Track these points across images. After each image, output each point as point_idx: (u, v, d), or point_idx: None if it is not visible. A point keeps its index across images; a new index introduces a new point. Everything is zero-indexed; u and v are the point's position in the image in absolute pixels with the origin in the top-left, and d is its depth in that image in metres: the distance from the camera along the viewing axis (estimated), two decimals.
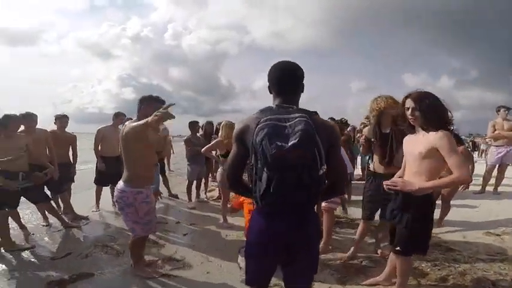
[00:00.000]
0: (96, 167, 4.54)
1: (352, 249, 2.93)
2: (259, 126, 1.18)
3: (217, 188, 5.47)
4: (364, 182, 3.13)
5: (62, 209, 4.15)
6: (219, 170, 4.14)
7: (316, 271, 1.43)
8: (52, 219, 3.83)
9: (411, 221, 1.92)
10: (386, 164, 2.64)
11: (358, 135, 4.92)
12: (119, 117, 4.48)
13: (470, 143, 16.95)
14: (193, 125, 5.30)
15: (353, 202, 4.76)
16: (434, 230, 2.20)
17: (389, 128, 2.66)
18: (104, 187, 4.62)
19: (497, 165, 5.51)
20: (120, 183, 2.35)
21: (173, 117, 1.99)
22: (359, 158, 6.53)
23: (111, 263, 2.79)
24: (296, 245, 1.31)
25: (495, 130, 5.40)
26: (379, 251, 3.04)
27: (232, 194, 4.23)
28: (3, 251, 2.97)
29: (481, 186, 5.60)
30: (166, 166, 7.04)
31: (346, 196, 4.61)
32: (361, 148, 2.95)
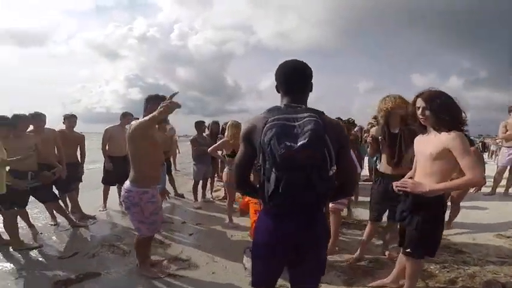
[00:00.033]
0: (104, 166, 4.57)
1: (359, 250, 2.90)
2: (267, 126, 1.16)
3: (223, 188, 5.47)
4: (371, 182, 3.10)
5: (70, 208, 4.19)
6: (225, 170, 4.13)
7: (324, 272, 1.41)
8: (60, 218, 3.87)
9: (421, 223, 1.88)
10: (394, 164, 2.60)
11: (365, 135, 4.87)
12: (126, 117, 4.51)
13: (480, 144, 16.69)
14: (199, 125, 5.30)
15: (360, 203, 4.72)
16: (444, 232, 2.18)
17: (398, 128, 2.62)
18: (111, 186, 4.66)
19: (508, 167, 5.42)
20: (127, 183, 2.36)
21: (179, 106, 1.98)
22: (366, 159, 6.49)
23: (118, 263, 2.80)
24: (305, 245, 1.29)
25: (507, 131, 5.30)
26: (386, 253, 3.00)
27: (238, 195, 4.22)
28: (11, 250, 3.01)
29: (491, 188, 5.51)
30: (172, 166, 7.08)
31: (352, 197, 4.57)
32: (368, 149, 2.91)
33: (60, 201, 3.85)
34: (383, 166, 2.74)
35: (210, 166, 5.30)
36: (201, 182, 5.27)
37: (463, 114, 1.81)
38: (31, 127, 3.60)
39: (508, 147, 5.37)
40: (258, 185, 1.28)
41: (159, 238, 3.31)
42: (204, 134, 5.44)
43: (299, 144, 1.09)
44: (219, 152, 4.23)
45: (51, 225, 3.83)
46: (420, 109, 1.86)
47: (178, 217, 4.37)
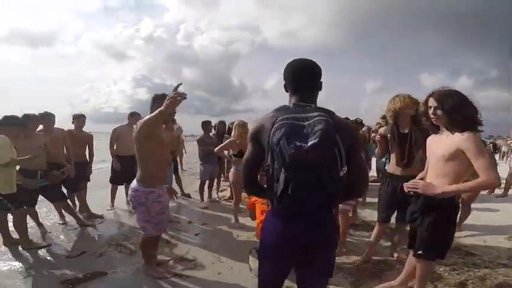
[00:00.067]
0: (112, 166, 4.60)
1: (366, 252, 2.87)
2: (275, 125, 1.14)
3: (229, 188, 5.47)
4: (379, 183, 3.06)
5: (78, 207, 4.24)
6: (231, 169, 4.13)
7: (332, 274, 1.39)
8: (68, 217, 3.91)
9: (433, 224, 1.85)
10: (404, 165, 2.56)
11: (373, 135, 4.81)
12: (134, 117, 4.54)
13: (491, 145, 16.41)
14: (206, 125, 5.31)
15: (368, 204, 4.67)
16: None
17: (407, 128, 2.57)
18: (119, 186, 4.69)
19: None
20: (134, 182, 2.36)
21: (185, 97, 1.96)
22: (373, 159, 6.42)
23: (125, 262, 2.82)
24: (314, 245, 1.27)
25: None
26: (395, 255, 2.97)
27: (244, 195, 4.21)
28: (21, 248, 3.04)
29: (503, 189, 5.40)
30: (179, 165, 7.10)
31: (360, 199, 4.52)
32: (376, 150, 2.86)
33: (68, 201, 3.89)
34: (392, 167, 2.70)
35: (216, 166, 5.30)
36: (207, 181, 5.28)
37: (478, 113, 1.75)
38: (40, 127, 3.65)
39: None
40: (265, 186, 1.26)
41: (165, 238, 3.32)
42: (211, 134, 5.45)
43: (309, 144, 1.07)
44: (226, 152, 4.23)
45: (60, 224, 3.87)
46: (432, 108, 1.82)
47: (185, 217, 4.39)
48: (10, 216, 3.15)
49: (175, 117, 3.16)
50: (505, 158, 12.45)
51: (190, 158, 9.77)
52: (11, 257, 2.89)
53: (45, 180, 3.44)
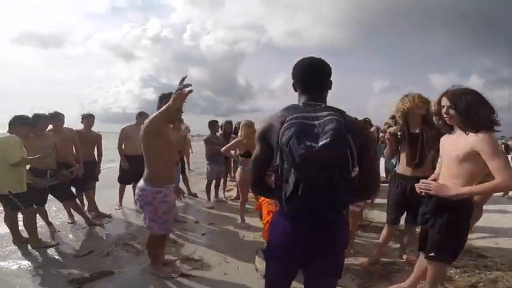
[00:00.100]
0: (120, 165, 4.63)
1: (375, 253, 2.84)
2: (285, 125, 1.11)
3: (236, 188, 5.47)
4: (387, 184, 3.01)
5: (87, 206, 4.28)
6: (238, 169, 4.12)
7: (341, 275, 1.36)
8: (77, 216, 3.96)
9: (445, 226, 1.81)
10: (415, 165, 2.51)
11: (381, 135, 4.75)
12: (142, 117, 4.56)
13: (503, 146, 16.07)
14: (212, 125, 5.32)
15: (376, 205, 4.61)
16: None
17: (418, 128, 2.53)
18: (127, 185, 4.72)
19: None
20: (141, 182, 2.37)
21: (191, 89, 1.94)
22: (382, 160, 6.35)
23: (131, 262, 2.83)
24: (324, 245, 1.24)
25: None
26: (404, 256, 2.92)
27: (250, 195, 4.20)
28: (30, 247, 3.08)
29: None
30: (186, 165, 7.12)
31: (368, 200, 4.47)
32: (385, 150, 2.81)
33: (76, 200, 3.93)
34: (401, 167, 2.65)
35: (223, 166, 5.30)
36: (214, 181, 5.28)
37: (494, 113, 1.69)
38: (50, 126, 3.70)
39: None
40: (273, 186, 1.24)
41: (172, 237, 3.33)
42: (218, 134, 5.45)
43: (320, 144, 1.04)
44: (232, 152, 4.22)
45: (69, 223, 3.92)
46: (445, 108, 1.77)
47: (192, 216, 4.40)
48: (20, 216, 3.19)
49: (182, 116, 3.16)
50: None
51: (197, 158, 9.80)
52: (20, 255, 2.93)
53: (55, 180, 3.49)
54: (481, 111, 1.67)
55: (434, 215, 1.85)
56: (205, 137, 5.31)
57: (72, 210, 3.94)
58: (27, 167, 3.19)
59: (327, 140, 1.03)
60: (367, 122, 4.70)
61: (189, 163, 8.54)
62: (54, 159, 3.49)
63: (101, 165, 4.60)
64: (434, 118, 2.19)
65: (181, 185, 5.03)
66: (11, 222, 3.15)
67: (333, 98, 1.34)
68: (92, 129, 4.42)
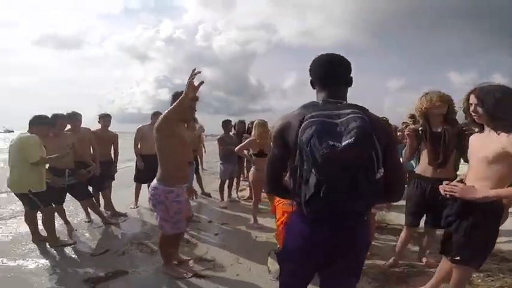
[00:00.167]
0: (136, 165, 4.68)
1: (394, 256, 2.75)
2: (304, 123, 1.05)
3: (248, 188, 5.44)
4: (405, 185, 2.90)
5: (103, 205, 4.36)
6: (251, 169, 4.08)
7: (359, 278, 1.31)
8: (93, 215, 4.03)
9: (470, 230, 1.72)
10: (438, 165, 2.40)
11: (399, 134, 4.61)
12: (156, 116, 4.58)
13: None
14: (226, 124, 5.31)
15: (394, 207, 4.46)
16: None
17: (440, 127, 2.42)
18: (143, 185, 4.74)
19: None
20: (154, 181, 2.37)
21: (202, 81, 1.96)
22: (400, 160, 6.16)
23: (145, 261, 2.85)
24: (345, 246, 1.19)
25: None
26: (423, 259, 2.83)
27: (263, 195, 4.16)
28: (48, 246, 3.16)
29: None
30: (199, 165, 7.15)
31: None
32: (403, 151, 2.70)
33: (93, 199, 4.00)
34: (422, 167, 2.54)
35: (236, 165, 5.29)
36: (227, 181, 5.28)
37: None
38: (68, 126, 3.77)
39: None
40: (291, 186, 1.19)
41: (186, 237, 3.33)
42: (231, 133, 5.44)
43: (344, 143, 0.97)
44: (246, 152, 4.19)
45: (86, 222, 4.00)
46: (473, 106, 1.68)
47: (205, 216, 4.41)
48: (39, 214, 3.27)
49: (196, 115, 3.16)
50: None
51: (210, 157, 9.85)
52: (38, 254, 3.01)
53: (73, 179, 3.57)
54: (511, 109, 1.56)
55: (459, 217, 1.76)
56: (218, 137, 5.31)
57: (89, 209, 4.02)
58: (47, 166, 3.27)
59: (351, 140, 0.97)
60: (385, 122, 4.56)
61: (202, 162, 8.58)
62: (72, 158, 3.57)
63: (118, 164, 4.66)
64: (457, 116, 2.08)
65: (195, 184, 5.06)
66: (31, 221, 3.24)
67: (349, 99, 1.28)
68: (109, 129, 4.47)
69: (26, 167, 2.94)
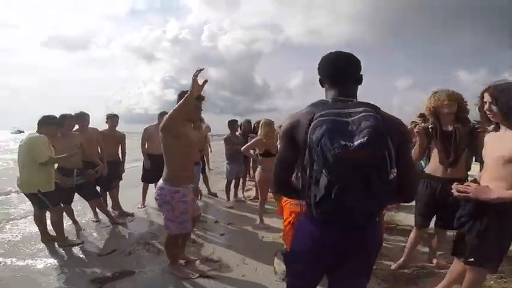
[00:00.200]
0: (143, 165, 4.70)
1: (403, 257, 2.70)
2: (314, 122, 1.02)
3: (254, 188, 5.42)
4: None
5: (110, 205, 4.38)
6: (257, 169, 4.06)
7: (369, 278, 1.29)
8: (101, 215, 4.07)
9: (483, 231, 1.67)
10: (449, 164, 2.35)
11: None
12: (163, 116, 4.59)
13: None
14: (232, 124, 5.29)
15: (403, 207, 4.40)
16: None
17: (451, 125, 2.37)
18: (150, 184, 4.76)
19: None
20: (160, 181, 2.37)
21: (206, 80, 1.99)
22: None
23: (152, 261, 2.86)
24: (356, 245, 1.16)
25: None
26: (434, 261, 2.77)
27: (270, 195, 4.13)
28: (56, 245, 3.19)
29: None
30: (206, 164, 7.15)
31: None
32: (413, 150, 2.65)
33: (101, 198, 4.03)
34: (432, 166, 2.49)
35: (242, 165, 5.28)
36: (233, 181, 5.27)
37: None
38: (76, 127, 3.80)
39: None
40: (300, 187, 1.16)
41: (192, 237, 3.33)
42: (237, 133, 5.42)
43: (357, 143, 0.94)
44: (252, 151, 4.17)
45: (93, 221, 4.03)
46: (487, 104, 1.64)
47: (211, 216, 4.40)
48: (48, 214, 3.30)
49: (202, 115, 3.15)
50: None
51: (216, 157, 9.87)
52: (47, 254, 3.04)
53: (81, 179, 3.60)
54: None
55: (472, 218, 1.72)
56: (225, 136, 5.30)
57: (96, 208, 4.04)
58: (55, 166, 3.30)
59: (364, 139, 0.93)
60: (399, 121, 4.49)
61: (208, 162, 8.59)
62: (81, 158, 3.59)
63: (125, 164, 4.67)
64: (468, 115, 2.02)
65: (202, 184, 5.06)
66: (40, 221, 3.27)
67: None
68: (117, 129, 4.49)
69: (35, 167, 2.97)
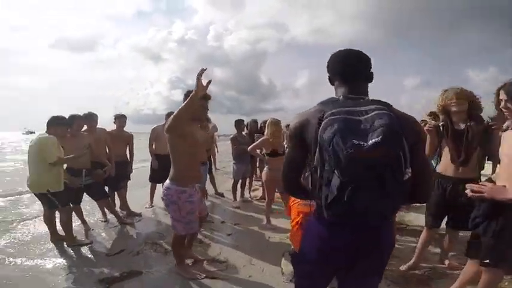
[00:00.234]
0: (151, 165, 4.71)
1: (414, 258, 2.65)
2: (325, 120, 0.99)
3: (261, 188, 5.40)
4: None
5: (119, 205, 4.41)
6: (264, 169, 4.03)
7: (381, 278, 1.25)
8: (109, 215, 4.10)
9: (499, 232, 1.62)
10: (461, 162, 2.29)
11: None
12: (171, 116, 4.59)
13: None
14: (239, 124, 5.28)
15: (413, 207, 4.32)
16: None
17: (464, 124, 2.31)
18: (158, 184, 4.76)
19: None
20: (167, 181, 2.37)
21: (210, 80, 2.02)
22: None
23: (159, 261, 2.86)
24: (369, 245, 1.12)
25: None
26: (446, 262, 2.72)
27: (277, 195, 4.10)
28: (65, 245, 3.22)
29: None
30: (212, 164, 7.15)
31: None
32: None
33: (109, 198, 4.06)
34: (443, 165, 2.44)
35: (249, 165, 5.26)
36: (240, 181, 5.25)
37: None
38: (85, 127, 3.83)
39: None
40: (310, 188, 1.13)
41: (199, 237, 3.32)
42: (244, 133, 5.41)
43: (370, 142, 0.90)
44: (258, 151, 4.15)
45: (102, 221, 4.06)
46: (503, 102, 1.60)
47: (218, 216, 4.39)
48: (57, 214, 3.33)
49: (209, 115, 3.15)
50: None
51: (223, 157, 9.88)
52: (56, 254, 3.07)
53: (90, 179, 3.63)
54: None
55: (487, 219, 1.67)
56: (231, 136, 5.29)
57: (105, 208, 4.07)
58: (64, 166, 3.33)
59: (378, 138, 0.90)
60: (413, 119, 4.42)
61: (215, 162, 8.60)
62: (89, 158, 3.63)
63: (133, 164, 4.69)
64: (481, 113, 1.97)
65: (208, 184, 5.05)
66: (49, 221, 3.30)
67: None
68: (124, 129, 4.51)
69: (44, 167, 3.00)
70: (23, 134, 62.38)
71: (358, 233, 1.10)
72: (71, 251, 3.11)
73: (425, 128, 2.57)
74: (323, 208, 1.03)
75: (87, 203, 4.25)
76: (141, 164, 7.05)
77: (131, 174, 4.61)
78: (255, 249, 3.12)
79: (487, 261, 1.73)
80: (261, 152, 4.08)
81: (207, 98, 2.39)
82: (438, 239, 2.87)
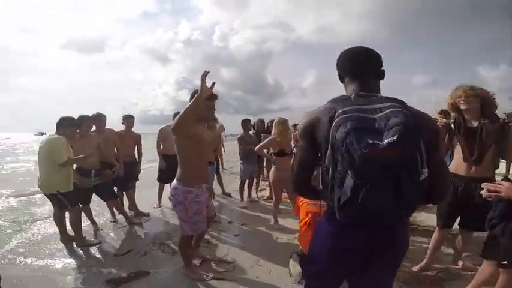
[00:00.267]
0: (159, 165, 4.72)
1: (426, 259, 2.59)
2: (337, 119, 0.96)
3: (268, 188, 5.36)
4: None
5: (127, 206, 4.43)
6: (271, 169, 3.99)
7: (394, 277, 1.22)
8: (117, 215, 4.12)
9: None
10: (473, 161, 2.23)
11: None
12: None
13: None
14: (245, 123, 5.26)
15: (426, 207, 4.23)
16: None
17: (477, 121, 2.24)
18: (166, 184, 4.76)
19: None
20: (174, 181, 2.36)
21: (214, 82, 2.01)
22: None
23: (167, 262, 2.86)
24: (384, 244, 1.09)
25: None
26: (459, 263, 2.65)
27: (284, 195, 4.05)
28: (75, 245, 3.25)
29: None
30: (220, 164, 7.14)
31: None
32: None
33: (117, 199, 4.08)
34: (455, 164, 2.37)
35: (256, 165, 5.23)
36: (247, 181, 5.22)
37: None
38: (93, 128, 3.85)
39: None
40: (321, 188, 1.10)
41: (206, 238, 3.31)
42: (250, 133, 5.38)
43: (386, 141, 0.87)
44: (265, 151, 4.11)
45: (111, 221, 4.09)
46: None
47: (225, 216, 4.38)
48: (67, 214, 3.36)
49: (216, 115, 3.14)
50: None
51: (230, 157, 9.87)
52: (65, 254, 3.10)
53: (99, 179, 3.66)
54: None
55: (504, 219, 1.62)
56: (238, 136, 5.26)
57: (114, 209, 4.10)
58: (74, 166, 3.36)
59: (394, 137, 0.86)
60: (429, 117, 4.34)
61: (222, 162, 8.59)
62: (98, 159, 3.65)
63: (141, 165, 4.70)
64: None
65: (216, 184, 5.04)
66: (59, 221, 3.34)
67: None
68: (133, 130, 4.52)
69: (54, 167, 3.03)
70: (35, 135, 63.47)
71: (372, 232, 1.07)
72: (80, 251, 3.13)
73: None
74: (336, 209, 1.00)
75: (96, 203, 4.29)
76: (149, 164, 7.08)
77: (139, 175, 4.63)
78: (262, 250, 3.10)
79: (505, 262, 1.68)
80: (268, 152, 4.04)
81: (213, 98, 2.37)
82: (451, 240, 2.81)
